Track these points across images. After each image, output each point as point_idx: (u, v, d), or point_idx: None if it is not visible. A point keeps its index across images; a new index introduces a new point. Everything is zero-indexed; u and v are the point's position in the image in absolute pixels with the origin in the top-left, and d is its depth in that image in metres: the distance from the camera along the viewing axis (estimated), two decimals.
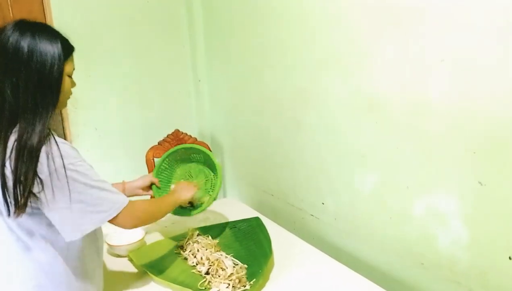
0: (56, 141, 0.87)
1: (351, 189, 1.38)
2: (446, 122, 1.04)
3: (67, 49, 0.92)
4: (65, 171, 0.85)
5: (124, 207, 0.95)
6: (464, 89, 0.98)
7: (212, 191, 1.42)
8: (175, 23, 2.10)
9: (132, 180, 1.36)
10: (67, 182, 0.86)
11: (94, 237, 1.01)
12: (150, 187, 1.40)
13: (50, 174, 0.84)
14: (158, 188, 1.41)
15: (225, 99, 2.05)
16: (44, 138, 0.85)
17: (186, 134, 2.07)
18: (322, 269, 1.24)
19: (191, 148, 1.49)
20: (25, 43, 0.86)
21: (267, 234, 1.36)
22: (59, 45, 0.89)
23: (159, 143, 2.02)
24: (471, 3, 0.93)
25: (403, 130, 1.15)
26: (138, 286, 1.16)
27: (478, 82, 0.95)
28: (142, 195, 1.42)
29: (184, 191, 1.29)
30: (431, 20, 1.02)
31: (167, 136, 2.05)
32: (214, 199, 1.37)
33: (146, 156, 1.96)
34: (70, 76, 0.96)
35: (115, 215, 0.93)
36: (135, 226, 1.06)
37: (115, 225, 0.97)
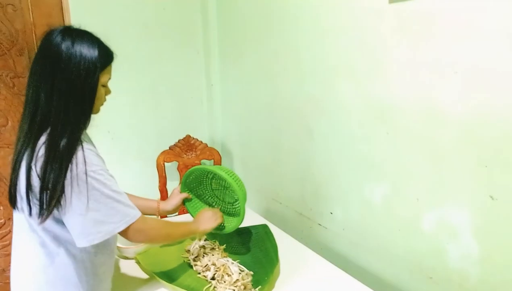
0: (82, 147, 0.87)
1: (360, 199, 1.36)
2: (459, 134, 1.03)
3: (105, 61, 0.92)
4: (86, 177, 0.85)
5: (134, 222, 0.94)
6: (477, 101, 0.97)
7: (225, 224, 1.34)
8: (190, 30, 2.13)
9: (165, 201, 1.32)
10: (86, 189, 0.85)
11: (109, 241, 1.00)
12: (182, 203, 1.34)
13: (71, 178, 0.84)
14: (190, 200, 1.36)
15: (237, 106, 2.06)
16: (74, 148, 0.85)
17: (197, 140, 2.09)
18: (328, 279, 1.22)
19: (212, 172, 1.34)
20: (63, 50, 0.86)
21: (274, 241, 1.35)
22: (97, 56, 0.89)
23: (170, 148, 2.04)
24: (486, 12, 0.93)
25: (415, 141, 1.14)
26: (145, 288, 1.17)
27: (492, 93, 0.94)
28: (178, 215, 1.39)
29: (205, 222, 1.24)
30: (444, 29, 1.02)
31: (178, 141, 2.07)
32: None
33: (156, 161, 1.99)
34: (105, 86, 0.96)
35: (123, 228, 0.92)
36: (144, 242, 1.02)
37: (124, 237, 0.96)
